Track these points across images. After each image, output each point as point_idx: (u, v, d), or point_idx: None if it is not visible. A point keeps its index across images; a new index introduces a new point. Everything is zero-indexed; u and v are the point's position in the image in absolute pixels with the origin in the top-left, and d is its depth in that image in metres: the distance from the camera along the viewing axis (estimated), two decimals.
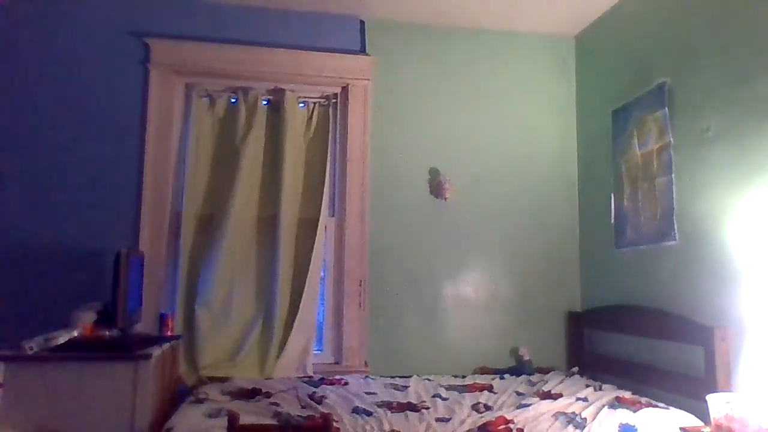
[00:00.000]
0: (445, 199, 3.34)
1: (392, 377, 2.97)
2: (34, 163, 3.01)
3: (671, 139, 2.67)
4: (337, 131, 3.36)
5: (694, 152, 2.55)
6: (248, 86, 3.24)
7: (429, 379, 2.96)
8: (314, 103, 3.34)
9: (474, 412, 2.41)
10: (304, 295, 3.09)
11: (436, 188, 3.36)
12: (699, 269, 2.49)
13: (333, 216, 3.33)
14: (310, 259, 3.13)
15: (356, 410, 2.35)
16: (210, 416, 2.17)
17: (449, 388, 2.80)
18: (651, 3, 2.93)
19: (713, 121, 2.45)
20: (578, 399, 2.49)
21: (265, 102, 3.28)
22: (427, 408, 2.45)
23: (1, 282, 2.89)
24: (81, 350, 2.22)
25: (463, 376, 3.09)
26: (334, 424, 1.97)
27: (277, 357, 3.02)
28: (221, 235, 3.07)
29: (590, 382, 2.85)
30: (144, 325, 2.88)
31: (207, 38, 3.22)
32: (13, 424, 2.05)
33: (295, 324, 3.05)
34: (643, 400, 2.42)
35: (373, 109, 3.37)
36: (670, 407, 2.31)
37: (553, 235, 3.49)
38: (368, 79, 3.36)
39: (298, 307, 3.07)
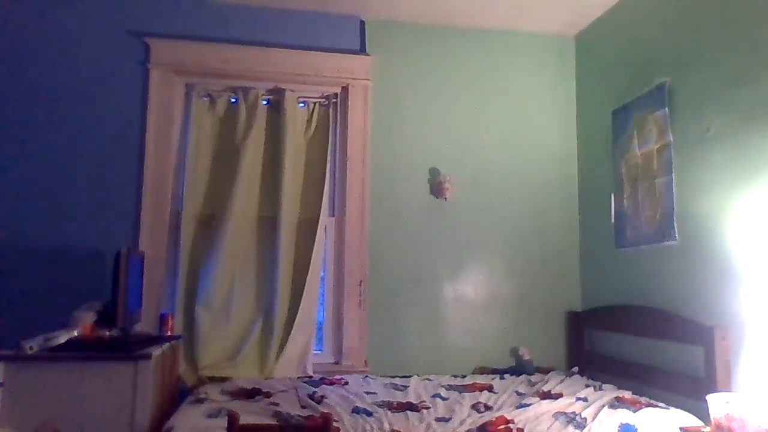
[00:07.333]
0: (445, 199, 3.34)
1: (392, 377, 2.97)
2: (34, 163, 3.01)
3: (671, 139, 2.67)
4: (337, 131, 3.37)
5: (694, 152, 2.55)
6: (248, 86, 3.24)
7: (429, 379, 2.96)
8: (314, 103, 3.34)
9: (474, 412, 2.41)
10: (304, 294, 3.09)
11: (436, 188, 3.36)
12: (699, 269, 2.49)
13: (333, 216, 3.33)
14: (310, 259, 3.13)
15: (356, 410, 2.35)
16: (210, 416, 2.17)
17: (449, 388, 2.80)
18: (651, 3, 2.93)
19: (713, 121, 2.45)
20: (578, 399, 2.49)
21: (265, 102, 3.28)
22: (427, 408, 2.45)
23: (1, 282, 2.88)
24: (81, 350, 2.22)
25: (463, 376, 3.09)
26: (334, 424, 1.97)
27: (277, 357, 3.02)
28: (221, 235, 3.07)
29: (590, 382, 2.85)
30: (144, 325, 2.88)
31: (207, 38, 3.22)
32: (13, 424, 2.05)
33: (295, 324, 3.05)
34: (643, 400, 2.42)
35: (373, 109, 3.37)
36: (670, 407, 2.31)
37: (553, 234, 3.49)
38: (368, 79, 3.36)
39: (298, 307, 3.07)
